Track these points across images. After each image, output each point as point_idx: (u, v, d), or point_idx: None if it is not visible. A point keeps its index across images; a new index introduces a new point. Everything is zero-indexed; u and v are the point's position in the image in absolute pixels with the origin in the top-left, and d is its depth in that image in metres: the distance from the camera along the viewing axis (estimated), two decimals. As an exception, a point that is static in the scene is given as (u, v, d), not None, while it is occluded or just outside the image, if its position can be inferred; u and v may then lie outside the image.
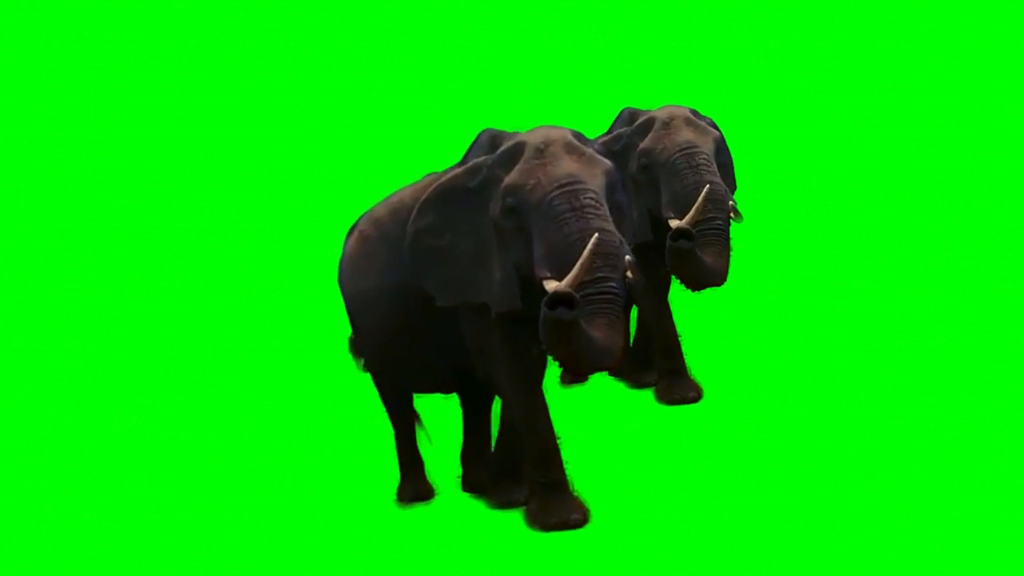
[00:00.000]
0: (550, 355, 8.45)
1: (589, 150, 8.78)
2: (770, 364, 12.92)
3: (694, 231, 11.18)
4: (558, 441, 9.42)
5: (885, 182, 19.93)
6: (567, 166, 8.62)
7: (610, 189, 8.73)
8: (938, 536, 8.22)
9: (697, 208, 11.15)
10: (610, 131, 12.25)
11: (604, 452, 10.66)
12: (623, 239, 8.52)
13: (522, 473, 9.46)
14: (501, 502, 9.62)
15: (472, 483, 9.92)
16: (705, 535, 8.57)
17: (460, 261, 8.96)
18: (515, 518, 9.32)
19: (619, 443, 10.92)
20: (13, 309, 17.57)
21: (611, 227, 8.46)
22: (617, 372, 12.95)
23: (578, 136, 8.92)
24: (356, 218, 10.06)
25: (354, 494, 10.23)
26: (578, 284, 8.25)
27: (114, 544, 9.48)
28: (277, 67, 22.23)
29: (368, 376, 10.53)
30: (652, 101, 20.74)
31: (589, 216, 8.42)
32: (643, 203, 11.81)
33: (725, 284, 12.53)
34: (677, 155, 11.55)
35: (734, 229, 11.52)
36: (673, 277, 12.20)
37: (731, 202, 11.44)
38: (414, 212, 9.07)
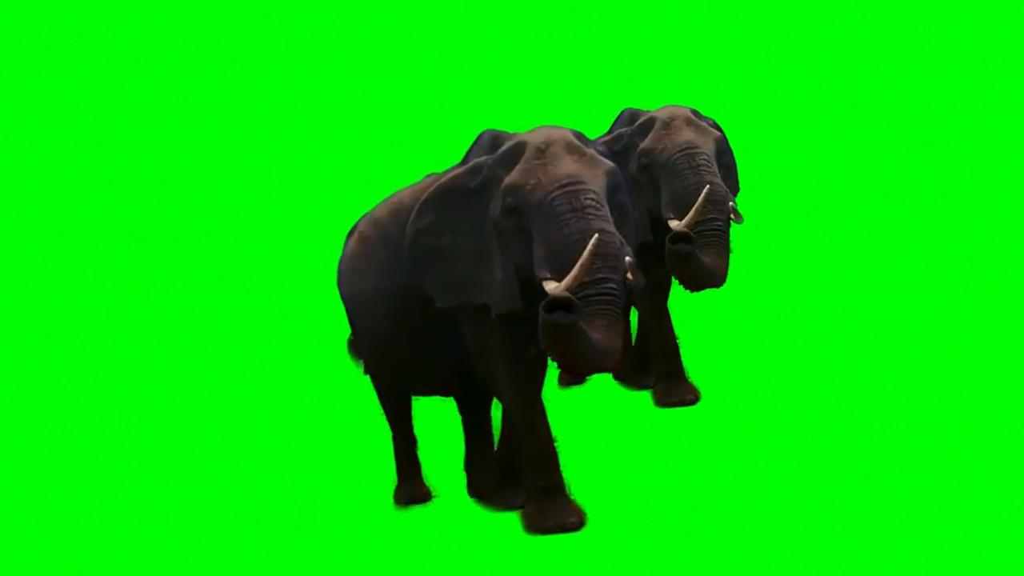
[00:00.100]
0: (549, 356, 8.40)
1: (590, 150, 8.73)
2: (768, 367, 12.88)
3: (693, 233, 11.12)
4: (556, 444, 9.38)
5: (886, 184, 19.91)
6: (568, 166, 8.57)
7: (612, 190, 8.67)
8: (938, 538, 8.19)
9: (697, 209, 11.10)
10: (610, 131, 12.19)
11: (601, 455, 10.63)
12: (623, 240, 8.47)
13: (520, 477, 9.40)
14: (501, 505, 9.57)
15: (478, 489, 9.86)
16: (702, 538, 8.54)
17: (460, 261, 8.90)
18: (512, 521, 9.29)
19: (616, 446, 10.89)
20: (13, 309, 17.53)
21: (612, 228, 8.40)
22: (618, 375, 12.89)
23: (579, 136, 8.87)
24: (356, 219, 10.01)
25: (351, 496, 10.20)
26: (578, 285, 8.20)
27: (112, 544, 9.45)
28: (277, 68, 22.28)
29: (366, 378, 10.51)
30: (653, 101, 20.71)
31: (590, 217, 8.36)
32: (643, 203, 11.76)
33: (723, 286, 12.48)
34: (677, 155, 11.49)
35: (733, 230, 11.46)
36: (672, 278, 12.15)
37: (731, 203, 11.38)
38: (414, 212, 9.02)
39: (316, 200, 20.58)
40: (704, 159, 11.43)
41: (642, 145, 11.70)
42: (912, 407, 11.07)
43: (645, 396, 12.40)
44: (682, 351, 13.83)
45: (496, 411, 11.48)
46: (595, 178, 8.57)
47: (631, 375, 12.77)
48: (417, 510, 9.75)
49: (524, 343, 8.92)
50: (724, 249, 11.32)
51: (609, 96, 20.97)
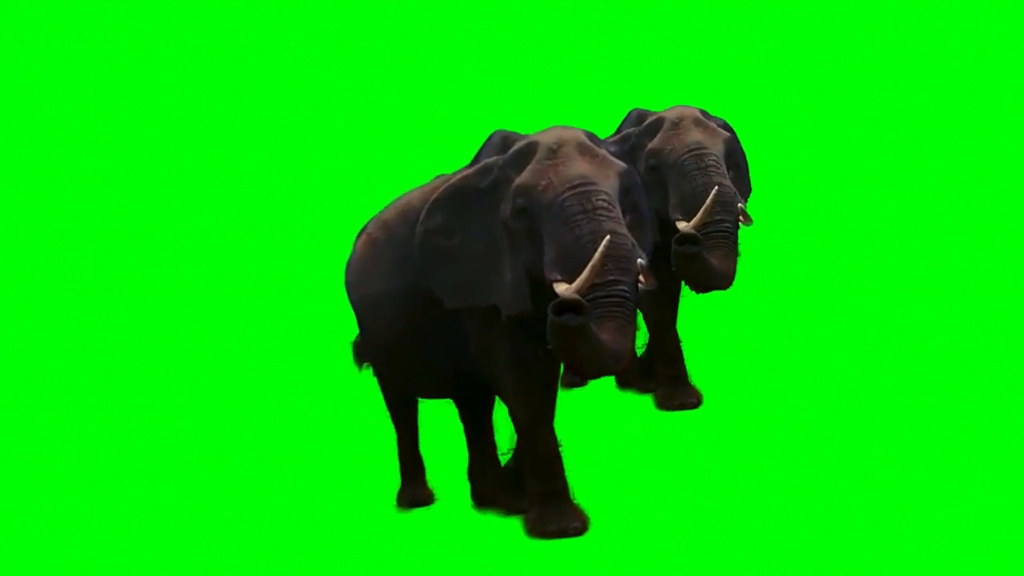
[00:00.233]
0: (558, 357, 8.33)
1: (602, 151, 8.65)
2: (771, 371, 12.84)
3: (700, 234, 11.04)
4: (560, 448, 9.31)
5: (894, 188, 19.89)
6: (580, 167, 8.49)
7: (624, 191, 8.60)
8: (939, 543, 8.17)
9: (705, 210, 11.02)
10: (618, 132, 12.13)
11: (603, 458, 10.59)
12: (635, 242, 8.39)
13: None
14: (510, 509, 9.53)
15: (481, 494, 9.79)
16: (704, 543, 8.50)
17: (470, 262, 8.82)
18: (514, 525, 9.25)
19: (618, 449, 10.85)
20: (25, 310, 17.52)
21: (623, 230, 8.33)
22: (626, 381, 12.80)
23: (591, 137, 8.79)
24: (366, 221, 9.97)
25: (354, 498, 10.17)
26: (588, 287, 8.13)
27: (114, 545, 9.42)
28: (287, 70, 22.36)
29: (371, 380, 10.52)
30: (661, 102, 20.68)
31: (601, 218, 8.29)
32: (651, 205, 11.67)
33: (728, 289, 12.39)
34: (686, 156, 11.41)
35: (740, 232, 11.42)
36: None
37: (740, 205, 11.31)
38: (423, 213, 8.94)
39: (326, 202, 20.63)
40: (713, 160, 11.34)
41: (650, 146, 11.61)
42: (917, 412, 11.03)
43: (647, 400, 12.37)
44: (685, 354, 13.77)
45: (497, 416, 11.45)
46: (607, 179, 8.49)
47: (639, 380, 12.70)
48: (419, 513, 9.71)
49: (531, 345, 8.84)
50: (732, 251, 11.25)
51: (617, 96, 20.98)
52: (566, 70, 21.64)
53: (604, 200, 8.36)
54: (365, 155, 21.50)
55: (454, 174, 9.30)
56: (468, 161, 9.03)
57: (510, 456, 9.59)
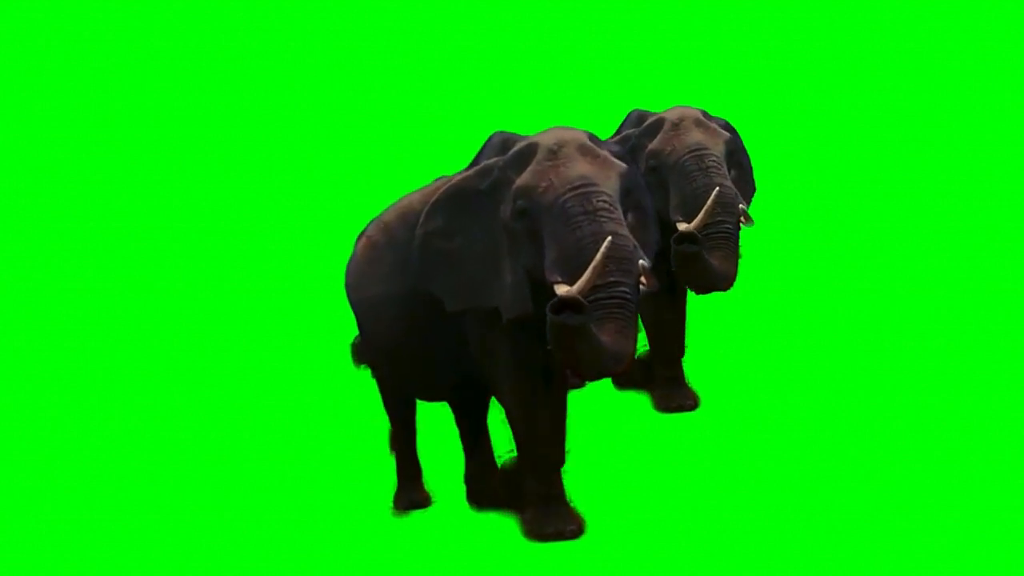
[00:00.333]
0: (558, 359, 8.29)
1: (603, 152, 8.60)
2: (770, 373, 12.80)
3: (702, 236, 11.00)
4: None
5: (894, 189, 19.87)
6: (580, 168, 8.44)
7: (626, 191, 8.55)
8: (938, 541, 8.16)
9: (706, 211, 10.97)
10: (618, 132, 12.08)
11: (600, 460, 10.56)
12: (637, 244, 8.35)
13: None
14: (506, 508, 9.56)
15: (479, 498, 9.76)
16: (701, 546, 8.48)
17: (470, 265, 8.77)
18: (511, 528, 9.22)
19: (615, 451, 10.83)
20: (25, 310, 17.53)
21: (625, 231, 8.29)
22: (624, 382, 12.74)
23: (592, 138, 8.74)
24: (366, 223, 9.97)
25: (350, 500, 10.15)
26: (590, 288, 8.08)
27: (111, 546, 9.43)
28: (287, 71, 22.41)
29: (369, 381, 10.56)
30: (662, 102, 20.65)
31: (602, 219, 8.24)
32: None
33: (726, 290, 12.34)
34: (686, 157, 11.35)
35: (740, 234, 11.39)
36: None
37: (741, 206, 11.26)
38: (423, 215, 8.89)
39: (325, 203, 20.64)
40: (713, 161, 11.29)
41: (650, 147, 11.56)
42: (917, 415, 11.00)
43: (644, 401, 12.32)
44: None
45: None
46: (608, 180, 8.44)
47: (636, 381, 12.65)
48: (416, 515, 9.70)
49: (531, 348, 8.79)
50: (733, 252, 11.21)
51: (617, 97, 20.98)
52: (566, 71, 21.67)
53: (605, 201, 8.32)
54: (365, 156, 21.53)
55: (454, 176, 9.25)
56: (468, 162, 9.01)
57: (508, 458, 9.57)
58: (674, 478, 9.94)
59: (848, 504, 9.04)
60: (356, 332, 10.42)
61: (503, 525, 9.28)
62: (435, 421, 11.77)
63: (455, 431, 11.54)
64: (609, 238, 8.10)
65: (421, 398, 9.71)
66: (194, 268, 18.91)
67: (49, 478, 11.27)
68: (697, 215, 11.08)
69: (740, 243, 11.35)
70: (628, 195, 8.58)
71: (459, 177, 8.91)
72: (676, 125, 11.54)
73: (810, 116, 21.46)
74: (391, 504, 9.97)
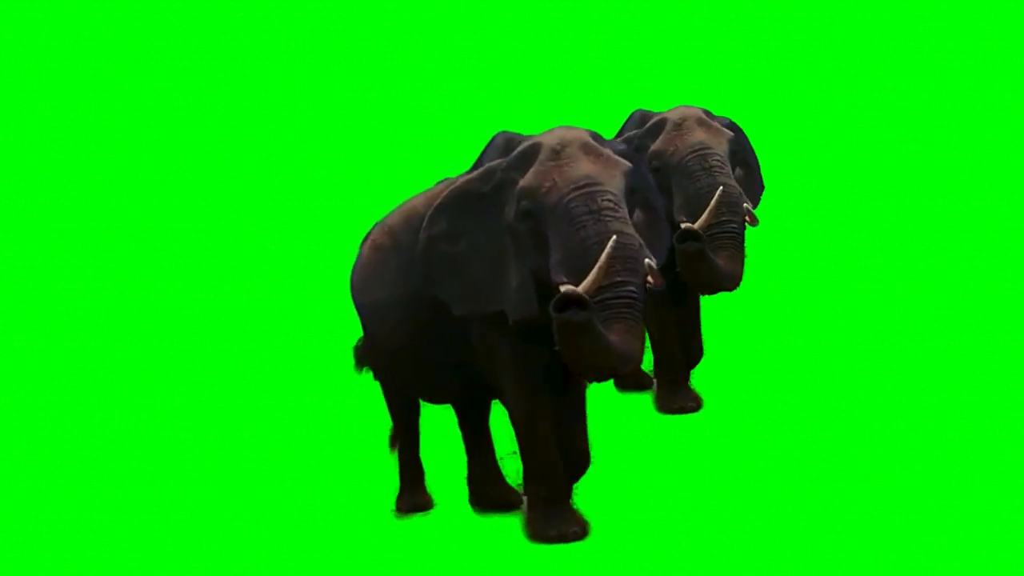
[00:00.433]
0: (565, 360, 8.23)
1: (607, 151, 8.55)
2: (772, 373, 12.77)
3: (707, 236, 10.95)
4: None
5: (898, 190, 19.87)
6: (584, 167, 8.39)
7: (631, 190, 8.50)
8: (940, 544, 8.14)
9: (710, 211, 10.92)
10: (621, 133, 12.03)
11: (602, 461, 10.52)
12: (643, 243, 8.30)
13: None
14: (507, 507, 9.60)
15: (481, 501, 9.75)
16: (703, 548, 8.46)
17: (475, 268, 8.73)
18: (514, 531, 9.20)
19: (617, 453, 10.79)
20: (40, 311, 17.54)
21: (630, 230, 8.25)
22: (626, 384, 12.69)
23: (596, 137, 8.69)
24: (372, 223, 9.94)
25: (352, 503, 10.13)
26: (596, 289, 8.03)
27: (114, 549, 9.43)
28: (290, 74, 22.47)
29: (371, 385, 10.56)
30: (665, 102, 20.65)
31: (607, 218, 8.20)
32: None
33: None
34: (689, 157, 11.30)
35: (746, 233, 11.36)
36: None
37: (746, 205, 11.21)
38: (426, 219, 8.85)
39: (330, 206, 20.67)
40: (717, 160, 11.24)
41: (653, 147, 11.50)
42: (921, 418, 10.97)
43: (646, 403, 12.28)
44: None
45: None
46: (612, 178, 8.39)
47: (637, 382, 12.61)
48: (418, 518, 9.68)
49: (534, 349, 8.76)
50: (739, 252, 11.16)
51: (620, 97, 20.98)
52: (569, 71, 21.69)
53: (610, 200, 8.27)
54: (370, 157, 21.57)
55: (457, 178, 9.21)
56: (472, 163, 8.98)
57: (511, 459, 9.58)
58: (677, 480, 9.91)
59: (852, 507, 9.01)
60: (359, 335, 10.42)
61: (506, 528, 9.25)
62: (436, 424, 11.75)
63: (456, 434, 11.53)
64: (614, 237, 8.06)
65: (427, 400, 9.69)
66: (199, 271, 18.94)
67: (48, 478, 11.27)
68: (701, 215, 11.04)
69: (745, 243, 11.33)
70: (633, 194, 8.53)
71: (462, 180, 8.87)
72: (678, 125, 11.48)
73: (814, 114, 21.47)
74: (393, 507, 9.95)
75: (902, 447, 10.24)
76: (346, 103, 22.23)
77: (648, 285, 8.23)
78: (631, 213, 8.46)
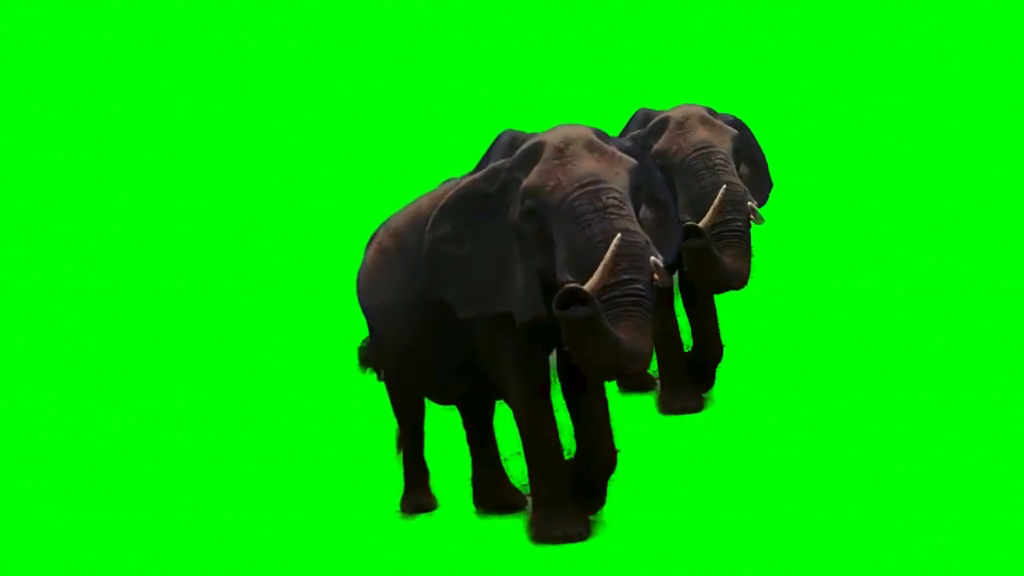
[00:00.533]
0: (573, 359, 8.20)
1: (611, 148, 8.51)
2: (775, 374, 12.75)
3: (712, 235, 10.91)
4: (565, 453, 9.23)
5: (903, 188, 19.85)
6: (588, 165, 8.35)
7: (636, 187, 8.45)
8: (943, 544, 8.11)
9: (714, 210, 10.89)
10: (624, 132, 12.00)
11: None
12: (649, 240, 8.25)
13: (597, 487, 9.17)
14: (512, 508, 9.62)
15: (486, 502, 9.73)
16: (706, 548, 8.45)
17: (481, 269, 8.70)
18: (518, 531, 9.17)
19: (620, 453, 10.66)
20: (44, 312, 17.54)
21: (636, 227, 8.20)
22: (627, 386, 12.65)
23: (600, 134, 8.66)
24: (376, 226, 9.97)
25: (357, 503, 10.13)
26: (602, 287, 7.99)
27: (116, 550, 9.42)
28: (294, 74, 22.47)
29: (375, 385, 10.58)
30: (669, 100, 20.64)
31: (612, 216, 8.15)
32: None
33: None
34: (693, 156, 11.28)
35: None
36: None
37: (750, 203, 11.17)
38: (431, 220, 8.82)
39: (335, 207, 20.66)
40: (720, 158, 11.22)
41: (656, 147, 11.47)
42: (926, 419, 10.94)
43: (648, 404, 12.26)
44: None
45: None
46: (617, 176, 8.34)
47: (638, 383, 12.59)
48: (422, 519, 9.67)
49: (539, 351, 8.75)
50: (745, 250, 11.13)
51: (624, 95, 20.98)
52: (573, 69, 21.69)
53: (615, 198, 8.22)
54: (374, 156, 21.58)
55: (462, 178, 9.18)
56: (477, 162, 8.99)
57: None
58: (679, 480, 9.90)
59: (854, 507, 8.99)
60: (364, 336, 10.41)
61: (510, 529, 9.23)
62: (441, 425, 11.74)
63: (461, 435, 11.52)
64: (619, 235, 8.01)
65: (433, 400, 9.68)
66: (204, 272, 18.95)
67: (51, 479, 11.28)
68: (705, 214, 11.00)
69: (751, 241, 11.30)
70: (639, 190, 8.49)
71: (466, 180, 8.84)
72: (681, 124, 11.46)
73: (818, 112, 21.46)
74: (397, 507, 9.94)
75: (907, 448, 10.21)
76: (351, 104, 22.25)
77: (655, 282, 8.19)
78: (637, 210, 8.42)
